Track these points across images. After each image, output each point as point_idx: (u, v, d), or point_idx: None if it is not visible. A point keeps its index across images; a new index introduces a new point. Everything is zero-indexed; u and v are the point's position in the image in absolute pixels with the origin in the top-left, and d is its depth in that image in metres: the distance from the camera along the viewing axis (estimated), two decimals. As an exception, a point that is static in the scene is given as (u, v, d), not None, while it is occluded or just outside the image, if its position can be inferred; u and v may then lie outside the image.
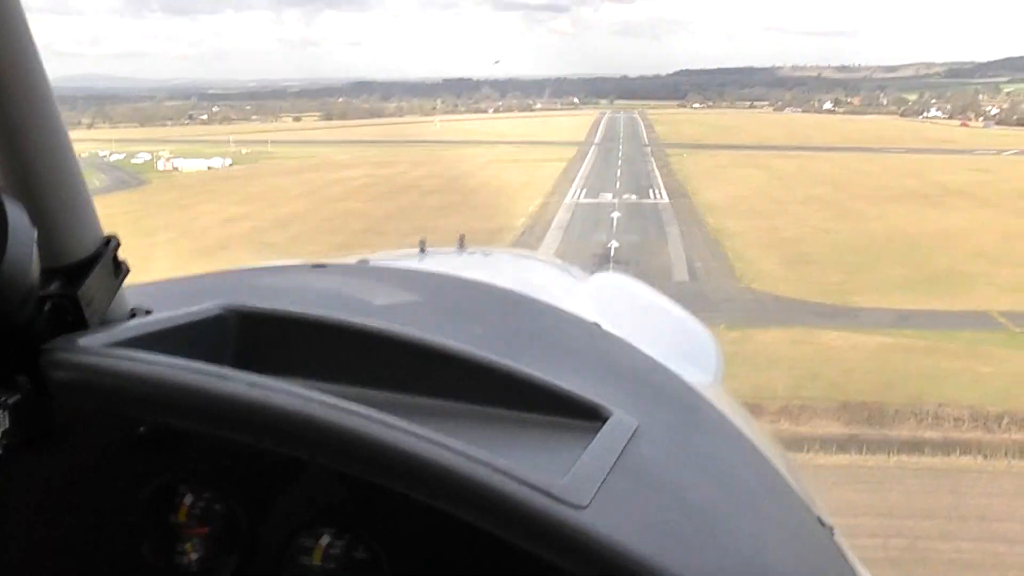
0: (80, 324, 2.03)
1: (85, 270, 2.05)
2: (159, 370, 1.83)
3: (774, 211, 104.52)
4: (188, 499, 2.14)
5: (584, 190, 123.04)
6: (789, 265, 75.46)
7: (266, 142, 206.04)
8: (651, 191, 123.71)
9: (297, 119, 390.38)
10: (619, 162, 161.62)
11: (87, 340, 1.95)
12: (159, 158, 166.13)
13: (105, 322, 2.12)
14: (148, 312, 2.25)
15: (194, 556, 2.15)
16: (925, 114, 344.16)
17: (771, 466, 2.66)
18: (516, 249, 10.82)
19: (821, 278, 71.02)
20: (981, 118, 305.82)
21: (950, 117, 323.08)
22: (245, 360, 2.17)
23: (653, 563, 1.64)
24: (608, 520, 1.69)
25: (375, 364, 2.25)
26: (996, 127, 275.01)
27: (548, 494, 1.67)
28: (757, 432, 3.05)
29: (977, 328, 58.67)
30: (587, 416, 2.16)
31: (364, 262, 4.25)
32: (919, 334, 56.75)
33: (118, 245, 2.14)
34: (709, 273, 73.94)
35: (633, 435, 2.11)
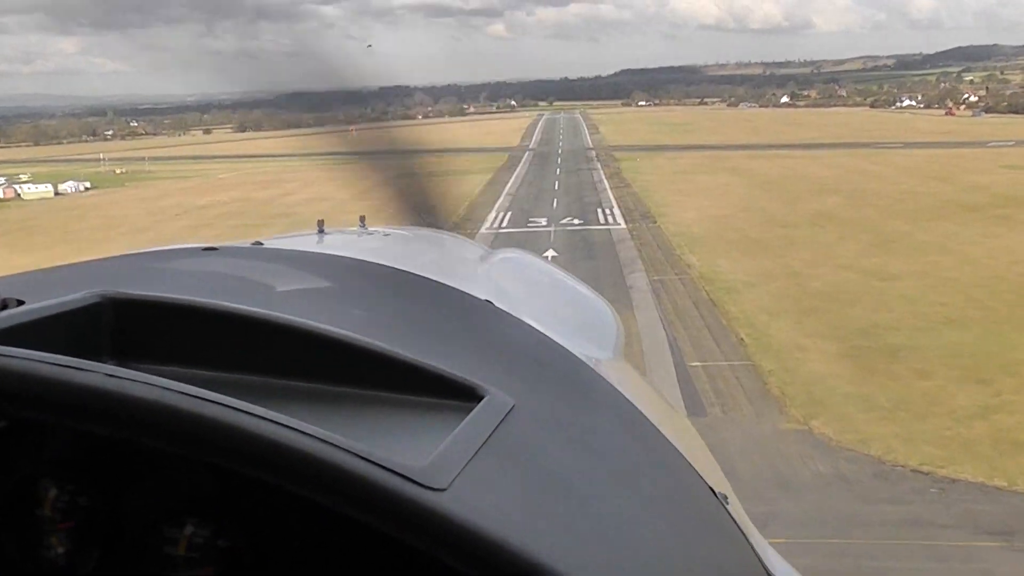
0: None
1: None
2: (16, 363, 1.74)
3: (779, 239, 71.67)
4: (52, 493, 2.11)
5: (508, 213, 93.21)
6: (863, 366, 42.02)
7: (143, 159, 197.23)
8: (600, 211, 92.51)
9: (207, 131, 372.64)
10: (557, 171, 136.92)
11: None
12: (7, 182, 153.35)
13: None
14: (21, 303, 2.14)
15: (60, 550, 2.11)
16: (898, 104, 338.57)
17: (661, 439, 2.66)
18: (420, 228, 5.45)
19: (942, 396, 37.91)
20: (963, 106, 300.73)
21: (927, 106, 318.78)
22: (121, 350, 2.18)
23: (511, 544, 1.62)
24: (468, 502, 1.67)
25: (251, 350, 2.22)
26: (987, 115, 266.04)
27: (405, 477, 1.65)
28: (654, 405, 3.05)
29: None
30: (461, 396, 2.14)
31: (258, 244, 3.98)
32: None
33: None
34: (725, 400, 38.73)
35: (508, 414, 2.08)
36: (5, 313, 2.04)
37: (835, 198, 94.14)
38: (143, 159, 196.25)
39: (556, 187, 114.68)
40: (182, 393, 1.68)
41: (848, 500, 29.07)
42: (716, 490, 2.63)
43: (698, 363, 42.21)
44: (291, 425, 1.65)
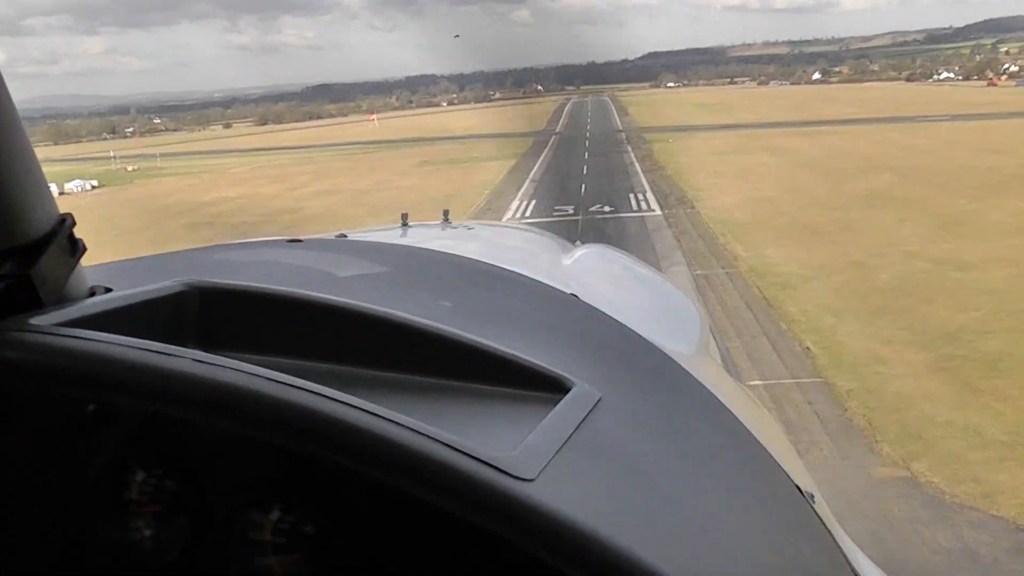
0: (35, 304, 2.05)
1: (39, 249, 2.06)
2: (105, 348, 1.86)
3: (832, 224, 63.86)
4: (139, 476, 2.15)
5: (532, 201, 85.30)
6: (961, 383, 33.77)
7: (156, 156, 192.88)
8: (632, 197, 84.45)
9: (227, 126, 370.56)
10: (585, 155, 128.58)
11: (39, 320, 1.98)
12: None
13: (61, 301, 2.13)
14: (108, 290, 2.26)
15: (147, 533, 2.16)
16: (936, 77, 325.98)
17: (748, 436, 2.69)
18: (502, 222, 5.51)
19: None
20: (1005, 76, 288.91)
21: (966, 78, 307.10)
22: (207, 337, 2.26)
23: (600, 536, 1.66)
24: (556, 493, 1.71)
25: (338, 339, 2.30)
26: None
27: (494, 467, 1.70)
28: (740, 402, 3.09)
29: None
30: (549, 388, 2.21)
31: (343, 236, 4.16)
32: None
33: (73, 224, 2.14)
34: (798, 433, 29.17)
35: (595, 407, 2.15)
36: (93, 300, 2.13)
37: (886, 175, 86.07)
38: (155, 156, 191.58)
39: (584, 171, 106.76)
40: (269, 379, 1.74)
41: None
42: (803, 489, 2.64)
43: (759, 381, 33.97)
44: (379, 414, 1.71)
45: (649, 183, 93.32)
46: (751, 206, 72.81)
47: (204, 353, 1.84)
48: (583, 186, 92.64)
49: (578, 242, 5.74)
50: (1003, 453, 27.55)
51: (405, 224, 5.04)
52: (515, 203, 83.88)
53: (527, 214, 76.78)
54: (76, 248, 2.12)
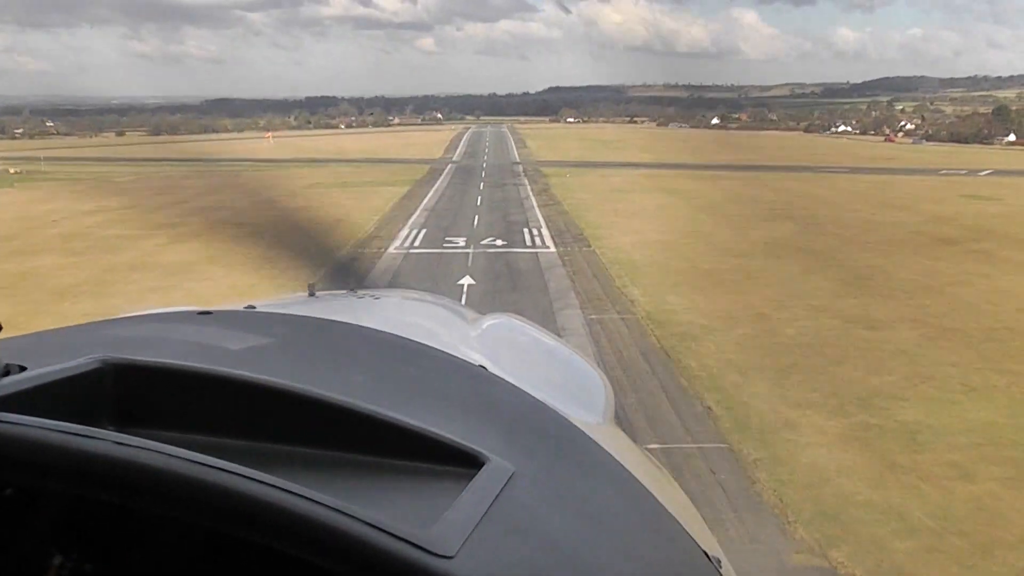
0: None
1: None
2: (23, 431, 1.82)
3: (734, 271, 61.14)
4: (57, 560, 2.11)
5: (423, 231, 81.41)
6: (878, 456, 30.57)
7: (39, 159, 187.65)
8: (527, 232, 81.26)
9: (120, 134, 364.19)
10: (481, 185, 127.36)
11: None
12: None
13: None
14: (23, 368, 2.24)
15: None
16: (834, 129, 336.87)
17: (655, 503, 2.74)
18: (407, 290, 10.10)
19: (1001, 509, 26.69)
20: (900, 133, 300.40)
21: (863, 133, 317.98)
22: (123, 415, 2.27)
23: None
24: (476, 569, 1.74)
25: (253, 416, 2.30)
26: (928, 143, 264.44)
27: (414, 544, 1.72)
28: (644, 469, 3.16)
29: None
30: (463, 463, 2.24)
31: (251, 307, 4.24)
32: None
33: None
34: (701, 510, 25.59)
35: (509, 481, 2.18)
36: (8, 380, 2.10)
37: (788, 224, 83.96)
38: (39, 159, 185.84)
39: (479, 202, 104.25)
40: (189, 460, 1.74)
41: None
42: (710, 553, 2.68)
43: (656, 445, 30.20)
44: (297, 492, 1.71)
45: (545, 218, 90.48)
46: (650, 248, 69.73)
47: (123, 435, 1.80)
48: (476, 217, 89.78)
49: (488, 313, 5.34)
50: (932, 542, 24.26)
51: (312, 294, 5.08)
52: (404, 231, 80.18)
53: (415, 244, 73.06)
54: None
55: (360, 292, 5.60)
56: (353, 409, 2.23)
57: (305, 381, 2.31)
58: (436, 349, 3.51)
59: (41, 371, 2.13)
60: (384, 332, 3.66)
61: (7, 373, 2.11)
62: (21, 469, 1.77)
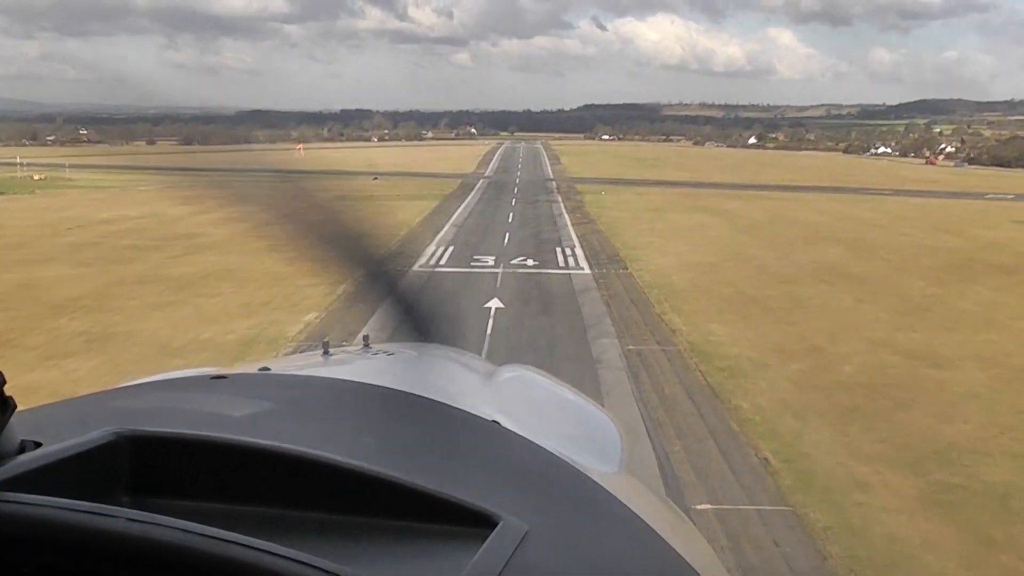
0: None
1: None
2: (39, 511, 1.89)
3: (783, 298, 56.73)
4: None
5: (450, 248, 77.37)
6: (966, 529, 25.55)
7: (64, 167, 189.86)
8: (559, 251, 77.08)
9: (151, 143, 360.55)
10: (513, 201, 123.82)
11: None
12: None
13: None
14: (38, 444, 2.28)
15: None
16: (873, 151, 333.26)
17: (673, 554, 2.72)
18: (422, 345, 5.30)
19: None
20: (941, 156, 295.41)
21: (902, 155, 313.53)
22: (139, 486, 2.31)
23: None
24: None
25: (268, 483, 2.35)
26: (969, 166, 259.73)
27: None
28: (662, 518, 3.17)
29: None
30: (476, 523, 2.24)
31: (266, 369, 4.23)
32: None
33: (3, 381, 2.12)
34: None
35: (523, 540, 2.18)
36: (23, 458, 2.13)
37: (836, 248, 79.62)
38: (63, 166, 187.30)
39: (510, 219, 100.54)
40: (202, 535, 1.78)
41: None
42: None
43: (708, 505, 26.01)
44: (315, 564, 1.74)
45: (579, 237, 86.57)
46: (691, 271, 65.48)
47: (137, 512, 1.85)
48: (507, 235, 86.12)
49: (504, 365, 5.30)
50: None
51: (327, 352, 4.96)
52: (431, 248, 76.16)
53: (442, 262, 68.95)
54: (7, 407, 2.09)
55: (375, 347, 5.23)
56: (366, 473, 2.26)
57: (318, 445, 2.35)
58: (449, 406, 3.49)
59: (56, 447, 2.16)
60: (397, 391, 3.65)
61: (23, 450, 2.14)
62: (39, 548, 1.81)
